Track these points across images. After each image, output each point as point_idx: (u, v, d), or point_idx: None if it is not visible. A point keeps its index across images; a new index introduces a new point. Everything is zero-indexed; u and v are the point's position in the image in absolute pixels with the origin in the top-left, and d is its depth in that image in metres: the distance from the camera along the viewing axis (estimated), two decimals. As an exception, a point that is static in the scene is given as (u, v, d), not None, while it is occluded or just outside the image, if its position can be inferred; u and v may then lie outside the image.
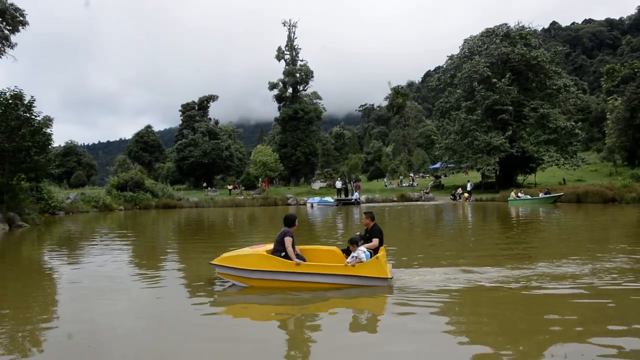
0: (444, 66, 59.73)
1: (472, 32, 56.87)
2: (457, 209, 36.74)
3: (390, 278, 8.64)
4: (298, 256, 9.20)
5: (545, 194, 39.07)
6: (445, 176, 68.47)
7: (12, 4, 28.74)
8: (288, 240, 8.96)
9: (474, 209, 35.11)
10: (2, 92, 27.30)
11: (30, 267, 13.57)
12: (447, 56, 58.47)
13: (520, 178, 53.44)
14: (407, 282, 9.22)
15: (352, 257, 8.77)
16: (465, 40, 56.68)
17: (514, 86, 48.08)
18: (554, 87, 48.46)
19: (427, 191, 53.42)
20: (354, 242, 8.95)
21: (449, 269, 10.48)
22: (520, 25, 53.46)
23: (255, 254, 9.13)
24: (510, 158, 47.68)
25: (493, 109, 47.79)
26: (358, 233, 9.58)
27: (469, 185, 49.24)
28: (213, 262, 9.43)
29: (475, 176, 59.16)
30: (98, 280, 10.56)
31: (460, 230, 21.48)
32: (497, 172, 50.00)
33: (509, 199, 40.42)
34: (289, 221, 9.46)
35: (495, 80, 47.52)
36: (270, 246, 9.44)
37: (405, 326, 6.71)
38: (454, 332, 6.39)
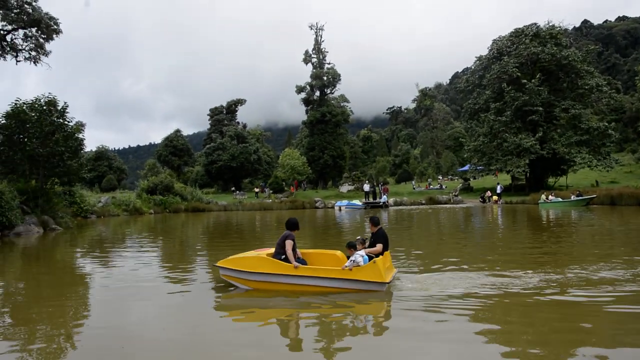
0: (473, 67, 59.16)
1: (501, 33, 55.87)
2: (486, 211, 36.27)
3: (388, 283, 8.53)
4: (300, 260, 9.30)
5: (577, 196, 38.34)
6: (475, 178, 67.77)
7: (47, 13, 29.40)
8: (288, 244, 9.07)
9: (503, 212, 34.62)
10: (37, 99, 27.91)
11: (63, 270, 13.83)
12: (476, 57, 57.88)
13: (551, 180, 52.53)
14: (433, 286, 9.07)
15: (350, 261, 8.77)
16: (494, 41, 55.94)
17: (544, 87, 47.29)
18: (586, 87, 47.41)
19: (455, 194, 52.91)
20: (352, 246, 9.08)
21: (476, 273, 10.32)
22: (551, 24, 52.52)
23: (255, 256, 9.32)
24: (541, 160, 46.89)
25: (523, 110, 47.11)
26: (359, 237, 9.55)
27: (498, 187, 48.64)
28: (217, 264, 9.73)
29: (504, 178, 58.37)
30: (129, 283, 10.71)
31: (489, 234, 21.18)
32: (527, 174, 49.25)
33: (539, 201, 39.78)
34: (291, 225, 9.52)
35: (525, 81, 46.83)
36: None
37: (428, 334, 6.57)
38: (480, 344, 6.20)
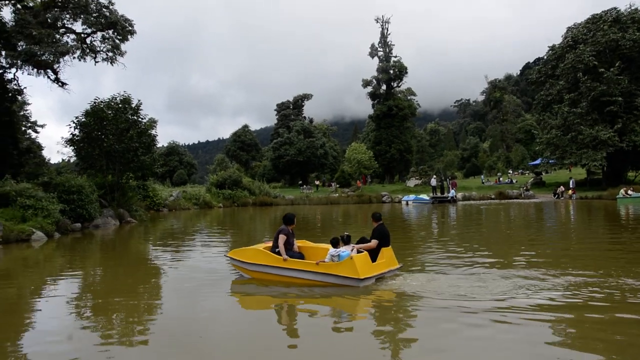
0: (545, 57, 56.76)
1: (577, 20, 53.32)
2: (559, 206, 34.91)
3: (363, 279, 8.71)
4: (297, 253, 10.00)
5: (660, 191, 36.26)
6: (547, 173, 65.35)
7: (122, 16, 30.63)
8: (281, 238, 9.70)
9: (578, 207, 33.20)
10: (113, 97, 29.16)
11: (138, 261, 14.42)
12: (548, 46, 55.53)
13: (631, 174, 49.92)
14: (494, 290, 8.42)
15: (329, 255, 9.20)
16: (569, 29, 53.54)
17: (624, 75, 44.80)
18: (672, 75, 44.53)
19: (527, 188, 51.24)
20: (334, 243, 9.39)
21: (541, 272, 9.75)
22: (633, 7, 49.52)
23: (253, 248, 10.17)
24: (620, 153, 44.56)
25: (600, 100, 44.88)
26: (346, 233, 9.78)
27: (571, 182, 46.75)
28: (227, 254, 10.77)
29: (579, 172, 55.99)
30: (200, 273, 11.06)
31: (562, 230, 20.35)
32: (605, 167, 47.00)
33: (617, 196, 37.89)
34: (287, 220, 10.17)
35: (603, 69, 44.54)
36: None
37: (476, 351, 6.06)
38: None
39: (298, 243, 10.54)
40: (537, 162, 62.75)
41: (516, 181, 60.79)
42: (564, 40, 52.93)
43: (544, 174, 60.42)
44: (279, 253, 9.64)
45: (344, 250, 9.23)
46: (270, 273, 9.67)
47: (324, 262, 9.17)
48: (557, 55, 52.37)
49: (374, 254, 9.47)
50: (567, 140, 47.06)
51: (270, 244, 10.32)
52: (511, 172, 77.56)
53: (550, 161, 53.18)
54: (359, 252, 9.34)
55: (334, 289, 8.83)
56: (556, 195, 46.11)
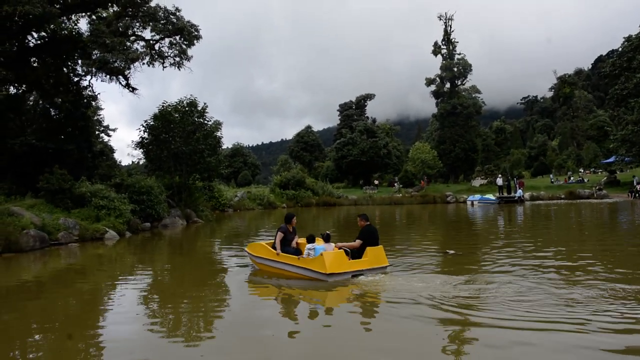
0: (620, 49, 54.16)
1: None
2: (636, 207, 33.20)
3: (330, 274, 9.36)
4: (292, 249, 10.91)
5: None
6: (622, 171, 62.33)
7: (188, 21, 31.49)
8: (279, 235, 10.96)
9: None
10: (180, 101, 30.08)
11: (204, 260, 14.81)
12: (624, 37, 52.95)
13: None
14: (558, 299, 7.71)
15: (306, 250, 10.17)
16: (646, 19, 50.87)
17: None
18: None
19: (599, 187, 49.00)
20: (310, 239, 10.42)
21: (623, 281, 9.02)
22: None
23: (258, 244, 11.69)
24: None
25: (682, 93, 42.39)
26: (327, 232, 10.73)
27: (634, 180, 44.29)
28: (246, 248, 12.27)
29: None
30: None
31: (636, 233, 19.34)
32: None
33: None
34: (287, 219, 11.40)
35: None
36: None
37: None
38: None
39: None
40: (611, 160, 60.06)
41: (588, 180, 58.30)
42: (642, 29, 50.18)
43: (618, 172, 57.67)
44: (274, 248, 10.91)
45: (320, 246, 10.12)
46: (267, 265, 11.04)
47: (304, 257, 10.11)
48: (634, 46, 49.79)
49: (358, 253, 10.23)
50: (644, 136, 44.72)
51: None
52: (582, 170, 74.46)
53: (625, 159, 50.73)
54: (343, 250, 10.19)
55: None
56: (633, 195, 43.80)
